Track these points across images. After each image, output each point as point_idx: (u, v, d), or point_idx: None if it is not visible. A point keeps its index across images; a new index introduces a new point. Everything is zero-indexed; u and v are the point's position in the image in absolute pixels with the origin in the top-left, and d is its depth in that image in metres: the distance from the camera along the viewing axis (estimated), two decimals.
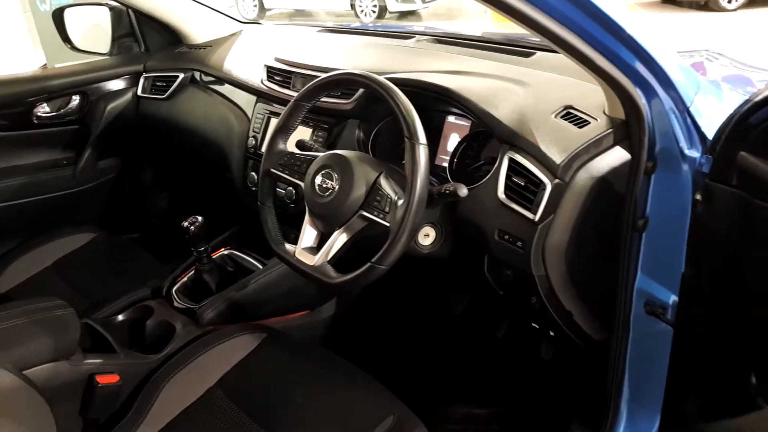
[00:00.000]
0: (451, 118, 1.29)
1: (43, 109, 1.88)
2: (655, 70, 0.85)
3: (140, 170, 2.19)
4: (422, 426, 1.04)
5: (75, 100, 1.92)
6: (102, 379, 1.13)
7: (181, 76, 1.89)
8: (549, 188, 0.99)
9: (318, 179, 1.10)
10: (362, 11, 9.32)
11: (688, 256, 0.93)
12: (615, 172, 0.98)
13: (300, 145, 1.26)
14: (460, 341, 1.68)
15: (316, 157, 1.15)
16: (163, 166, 2.21)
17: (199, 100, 1.85)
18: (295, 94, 1.21)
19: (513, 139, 1.07)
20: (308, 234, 1.14)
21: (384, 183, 1.05)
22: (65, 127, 1.94)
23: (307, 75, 1.49)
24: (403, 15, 9.56)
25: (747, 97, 0.85)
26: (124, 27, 2.04)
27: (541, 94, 1.13)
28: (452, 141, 1.29)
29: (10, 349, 1.04)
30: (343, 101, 1.39)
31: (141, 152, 2.14)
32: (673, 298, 0.97)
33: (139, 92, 1.99)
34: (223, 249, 1.65)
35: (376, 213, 1.03)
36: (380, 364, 1.24)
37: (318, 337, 1.56)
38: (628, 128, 0.94)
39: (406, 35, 1.67)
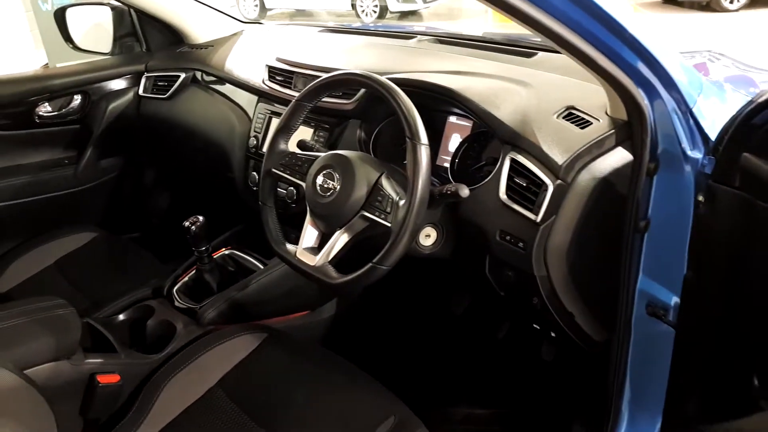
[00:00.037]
0: (452, 119, 1.29)
1: (45, 109, 1.88)
2: (658, 70, 0.84)
3: (141, 170, 2.19)
4: (423, 427, 1.04)
5: (76, 99, 1.93)
6: (103, 379, 1.13)
7: (183, 75, 1.89)
8: (551, 189, 0.99)
9: (319, 179, 1.10)
10: (363, 11, 9.33)
11: (690, 258, 0.93)
12: (617, 173, 0.98)
13: (301, 145, 1.25)
14: (461, 342, 1.68)
15: (317, 157, 1.15)
16: (164, 165, 2.21)
17: (200, 99, 1.85)
18: (296, 94, 1.21)
19: (515, 139, 1.07)
20: (309, 234, 1.14)
21: (385, 183, 1.04)
22: (67, 126, 1.94)
23: (309, 75, 1.49)
24: (404, 15, 9.56)
25: (750, 98, 0.85)
26: (126, 27, 2.05)
27: (543, 95, 1.12)
28: (454, 141, 1.28)
29: (11, 348, 1.04)
30: (345, 101, 1.39)
31: (142, 152, 2.14)
32: (674, 300, 0.97)
33: (140, 92, 1.99)
34: (224, 249, 1.65)
35: (377, 213, 1.03)
36: (381, 365, 1.24)
37: (319, 338, 1.56)
38: (630, 129, 0.94)
39: (408, 35, 1.66)
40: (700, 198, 0.89)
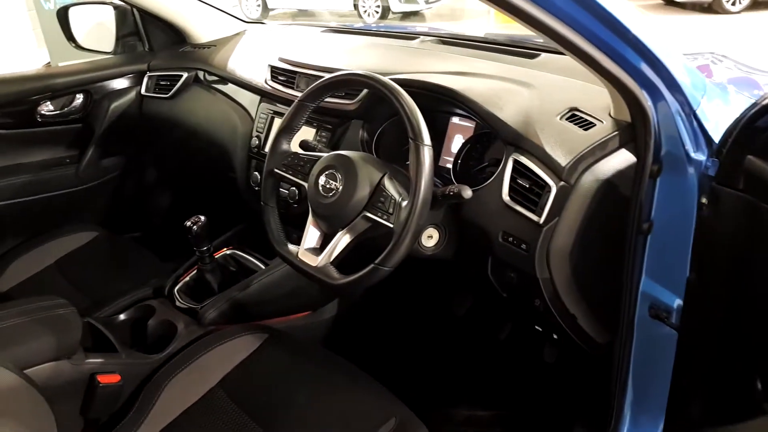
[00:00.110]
0: (455, 119, 1.29)
1: (47, 108, 1.88)
2: (661, 72, 0.84)
3: (143, 169, 2.19)
4: (424, 428, 1.03)
5: (78, 98, 1.93)
6: (103, 379, 1.13)
7: (185, 75, 1.89)
8: (554, 190, 0.99)
9: (321, 180, 1.10)
10: (365, 11, 9.33)
11: (693, 260, 0.93)
12: (620, 174, 0.98)
13: (303, 145, 1.25)
14: (463, 343, 1.67)
15: (319, 157, 1.15)
16: (166, 165, 2.21)
17: (202, 99, 1.85)
18: (298, 94, 1.20)
19: (518, 140, 1.06)
20: (311, 235, 1.14)
21: (388, 184, 1.04)
22: (69, 125, 1.94)
23: (311, 75, 1.49)
24: (406, 15, 9.56)
25: (753, 101, 0.84)
26: (129, 26, 2.05)
27: (546, 96, 1.12)
28: (456, 142, 1.28)
29: (11, 347, 1.04)
30: (347, 102, 1.38)
31: (144, 151, 2.14)
32: (677, 302, 0.96)
33: (142, 91, 1.99)
34: (225, 249, 1.65)
35: (379, 214, 1.03)
36: (382, 366, 1.24)
37: (320, 338, 1.56)
38: (633, 131, 0.93)
39: (410, 36, 1.66)
40: (704, 200, 0.89)
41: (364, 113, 1.37)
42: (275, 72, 1.61)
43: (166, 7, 1.95)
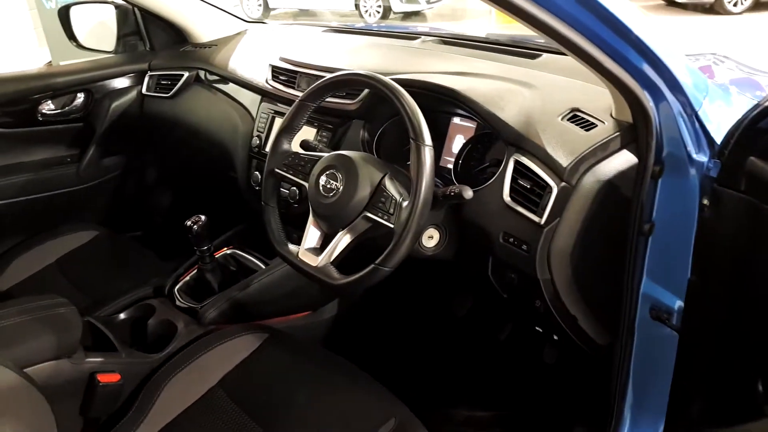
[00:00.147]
0: (456, 120, 1.29)
1: (48, 107, 1.88)
2: (663, 73, 0.84)
3: (144, 168, 2.19)
4: (424, 428, 1.03)
5: (79, 97, 1.93)
6: (103, 378, 1.13)
7: (186, 74, 1.89)
8: (555, 191, 0.98)
9: (322, 180, 1.10)
10: (367, 11, 9.33)
11: (694, 261, 0.93)
12: (622, 175, 0.97)
13: (304, 145, 1.25)
14: (463, 344, 1.67)
15: (320, 157, 1.15)
16: (166, 164, 2.21)
17: (203, 99, 1.85)
18: (299, 93, 1.20)
19: (519, 141, 1.06)
20: (312, 235, 1.14)
21: (389, 184, 1.04)
22: (69, 124, 1.94)
23: (312, 75, 1.48)
24: (408, 15, 9.56)
25: (755, 101, 0.84)
26: (130, 25, 2.05)
27: (548, 96, 1.12)
28: (457, 142, 1.28)
29: (11, 346, 1.04)
30: (348, 101, 1.38)
31: (145, 151, 2.14)
32: (678, 303, 0.96)
33: (143, 90, 1.99)
34: (225, 248, 1.65)
35: (380, 214, 1.03)
36: (382, 366, 1.24)
37: (320, 338, 1.55)
38: (635, 131, 0.93)
39: (411, 36, 1.66)
40: (705, 201, 0.88)
41: (365, 113, 1.37)
42: (276, 72, 1.60)
43: (167, 7, 1.95)
